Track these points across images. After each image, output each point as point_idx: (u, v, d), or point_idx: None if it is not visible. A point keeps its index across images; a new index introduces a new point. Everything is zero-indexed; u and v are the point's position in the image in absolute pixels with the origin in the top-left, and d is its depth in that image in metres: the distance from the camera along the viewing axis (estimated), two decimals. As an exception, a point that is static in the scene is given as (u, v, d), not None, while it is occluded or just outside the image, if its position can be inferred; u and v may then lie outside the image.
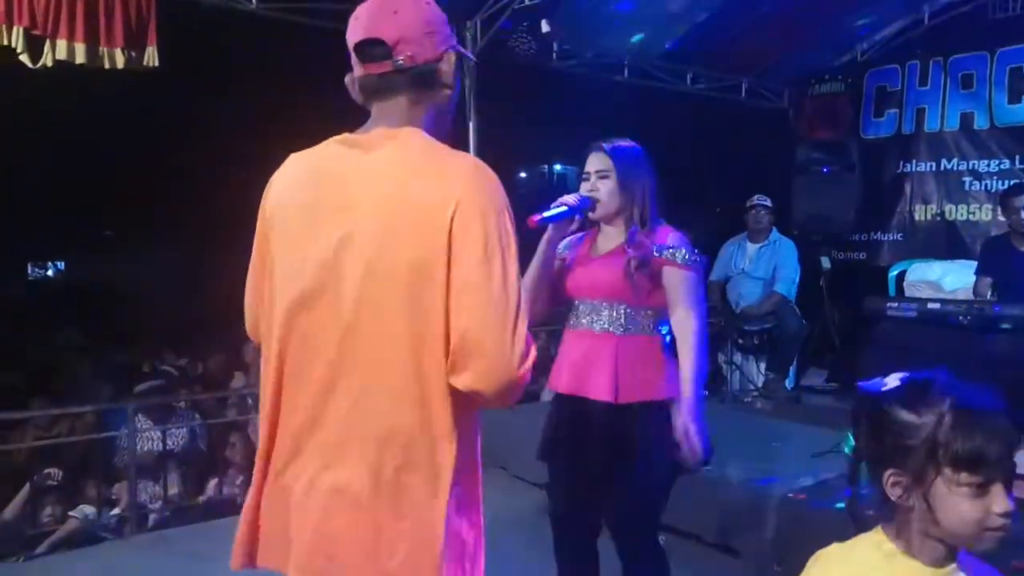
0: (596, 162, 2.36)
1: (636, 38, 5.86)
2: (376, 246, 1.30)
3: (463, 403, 1.33)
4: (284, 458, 1.38)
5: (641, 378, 2.27)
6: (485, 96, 5.13)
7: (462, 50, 1.49)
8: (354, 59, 1.41)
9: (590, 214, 2.34)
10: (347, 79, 1.44)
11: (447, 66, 1.43)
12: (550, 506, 2.49)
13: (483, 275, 1.28)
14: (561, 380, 2.36)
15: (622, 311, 2.29)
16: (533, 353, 1.32)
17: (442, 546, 1.30)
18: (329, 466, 1.33)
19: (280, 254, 1.40)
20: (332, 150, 1.41)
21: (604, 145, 2.37)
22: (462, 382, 1.29)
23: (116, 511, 4.39)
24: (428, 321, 1.29)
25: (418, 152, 1.37)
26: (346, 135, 1.42)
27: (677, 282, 2.28)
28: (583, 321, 2.34)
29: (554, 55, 5.69)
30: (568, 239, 2.42)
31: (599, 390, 2.25)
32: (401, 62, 1.36)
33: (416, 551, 1.30)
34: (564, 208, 2.28)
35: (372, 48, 1.37)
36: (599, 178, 2.34)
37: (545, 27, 5.05)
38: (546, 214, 2.25)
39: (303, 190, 1.41)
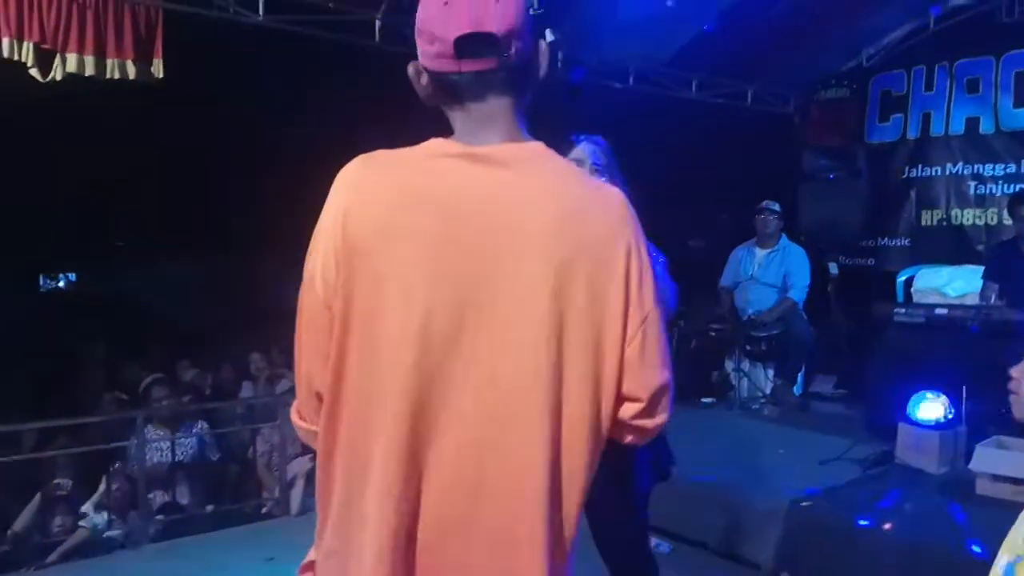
0: (591, 154, 2.20)
1: (641, 46, 5.88)
2: (557, 277, 1.14)
3: None
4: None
5: None
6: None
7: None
8: (440, 51, 1.16)
9: None
10: (411, 70, 1.22)
11: (544, 59, 1.25)
12: None
13: (658, 318, 1.22)
14: None
15: None
16: None
17: None
18: None
19: (392, 295, 1.14)
20: (453, 166, 1.18)
21: (597, 139, 2.24)
22: (652, 423, 1.24)
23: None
24: (605, 364, 1.18)
25: (575, 176, 1.27)
26: (458, 145, 1.20)
27: None
28: None
29: (559, 63, 5.71)
30: None
31: None
32: (508, 58, 1.16)
33: None
34: None
35: (478, 43, 1.14)
36: (595, 171, 2.15)
37: (549, 36, 5.06)
38: None
39: (415, 214, 1.15)
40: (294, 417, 1.30)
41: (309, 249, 1.21)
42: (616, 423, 1.21)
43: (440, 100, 1.21)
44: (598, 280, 1.16)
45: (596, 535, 2.25)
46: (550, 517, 1.15)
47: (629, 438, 1.25)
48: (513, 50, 1.16)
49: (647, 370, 1.19)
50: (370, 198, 1.17)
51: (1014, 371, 1.29)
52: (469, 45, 1.14)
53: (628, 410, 1.20)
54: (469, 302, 1.13)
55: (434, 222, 1.14)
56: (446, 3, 1.14)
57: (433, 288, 1.13)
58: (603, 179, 2.13)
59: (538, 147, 1.22)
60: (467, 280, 1.14)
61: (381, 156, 1.21)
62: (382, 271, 1.14)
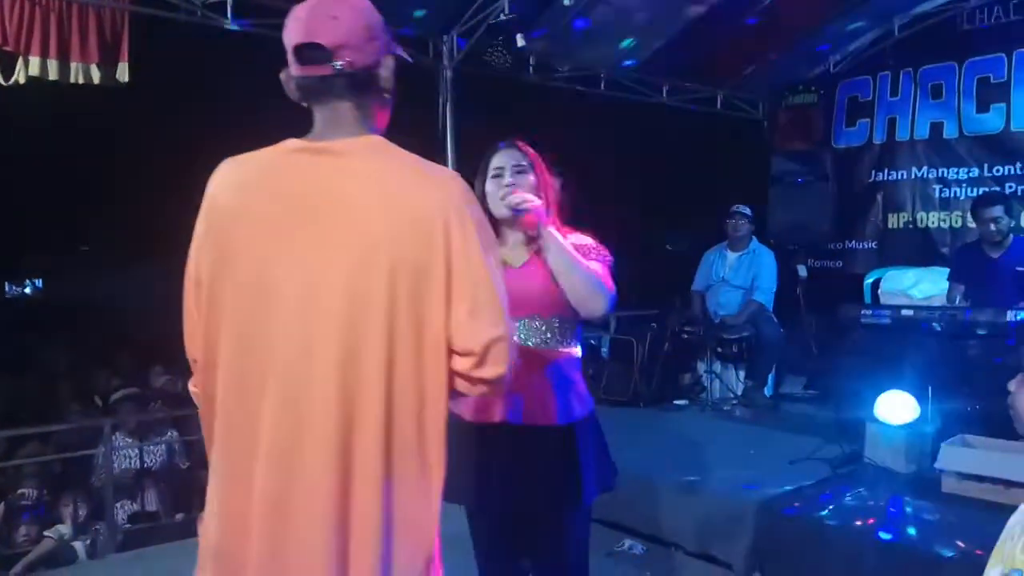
0: (509, 157, 2.11)
1: (610, 51, 5.92)
2: (379, 251, 1.30)
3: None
4: None
5: (578, 392, 2.08)
6: (462, 110, 5.16)
7: (401, 54, 1.47)
8: (291, 59, 1.38)
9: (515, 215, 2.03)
10: (282, 75, 1.42)
11: (387, 71, 1.42)
12: (478, 560, 2.17)
13: (489, 269, 1.35)
14: (494, 409, 2.00)
15: (556, 324, 2.03)
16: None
17: None
18: None
19: (242, 270, 1.34)
20: (296, 159, 1.37)
21: (516, 142, 2.15)
22: (490, 374, 1.33)
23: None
24: (430, 325, 1.31)
25: (404, 162, 1.38)
26: (304, 142, 1.39)
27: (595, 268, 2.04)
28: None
29: (530, 69, 5.73)
30: None
31: (550, 414, 2.00)
32: (340, 67, 1.35)
33: None
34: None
35: (311, 51, 1.35)
36: (516, 173, 2.07)
37: (520, 41, 5.09)
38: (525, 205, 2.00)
39: (259, 200, 1.36)
40: (190, 384, 1.48)
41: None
42: (457, 377, 1.34)
43: (302, 100, 1.41)
44: (420, 251, 1.30)
45: (535, 553, 2.12)
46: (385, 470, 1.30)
47: (477, 390, 1.36)
48: (346, 60, 1.35)
49: (479, 326, 1.32)
50: (227, 189, 1.39)
51: (1012, 385, 1.28)
52: (305, 52, 1.36)
53: (464, 363, 1.33)
54: (308, 278, 1.30)
55: (275, 207, 1.34)
56: (296, 18, 1.36)
57: (275, 265, 1.32)
58: (531, 179, 2.07)
59: (375, 139, 1.39)
60: (304, 257, 1.31)
61: (241, 156, 1.42)
62: (233, 250, 1.35)
